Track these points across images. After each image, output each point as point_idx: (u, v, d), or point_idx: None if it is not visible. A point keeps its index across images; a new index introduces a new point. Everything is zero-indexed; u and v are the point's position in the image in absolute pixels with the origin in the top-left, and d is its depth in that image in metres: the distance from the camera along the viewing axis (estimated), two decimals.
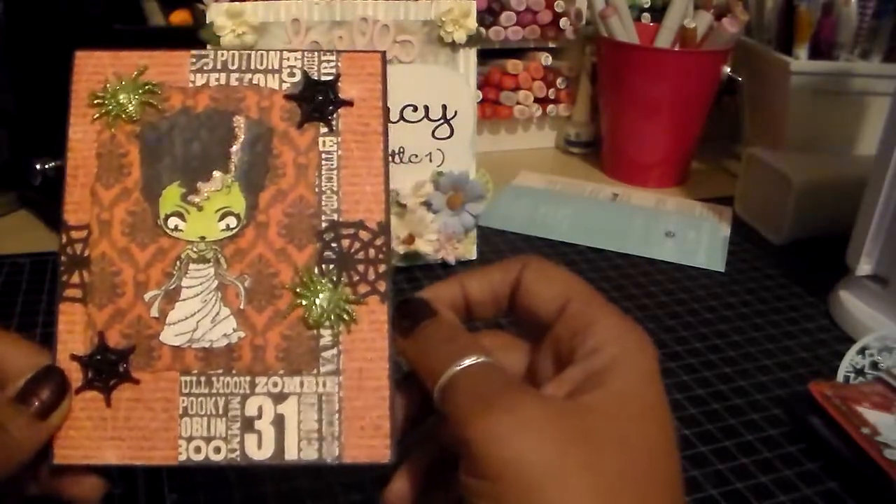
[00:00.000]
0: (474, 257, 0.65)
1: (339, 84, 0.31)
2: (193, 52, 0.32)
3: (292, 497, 0.38)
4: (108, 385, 0.29)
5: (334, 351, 0.29)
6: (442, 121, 0.62)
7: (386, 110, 0.32)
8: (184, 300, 0.29)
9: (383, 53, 0.32)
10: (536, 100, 0.90)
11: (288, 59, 0.32)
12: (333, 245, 0.30)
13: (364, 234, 0.30)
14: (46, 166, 0.62)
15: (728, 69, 0.89)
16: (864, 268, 0.58)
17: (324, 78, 0.31)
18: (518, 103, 0.89)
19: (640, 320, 0.57)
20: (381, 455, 0.28)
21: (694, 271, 0.67)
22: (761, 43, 0.86)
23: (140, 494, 0.37)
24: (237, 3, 0.55)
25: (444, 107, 0.62)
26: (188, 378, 0.29)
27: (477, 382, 0.26)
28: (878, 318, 0.57)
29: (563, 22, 0.89)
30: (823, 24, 0.80)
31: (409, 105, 0.61)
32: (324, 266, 0.30)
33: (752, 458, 0.44)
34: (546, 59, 0.90)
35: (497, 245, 0.69)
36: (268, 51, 0.32)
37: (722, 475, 0.43)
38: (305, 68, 0.31)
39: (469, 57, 0.62)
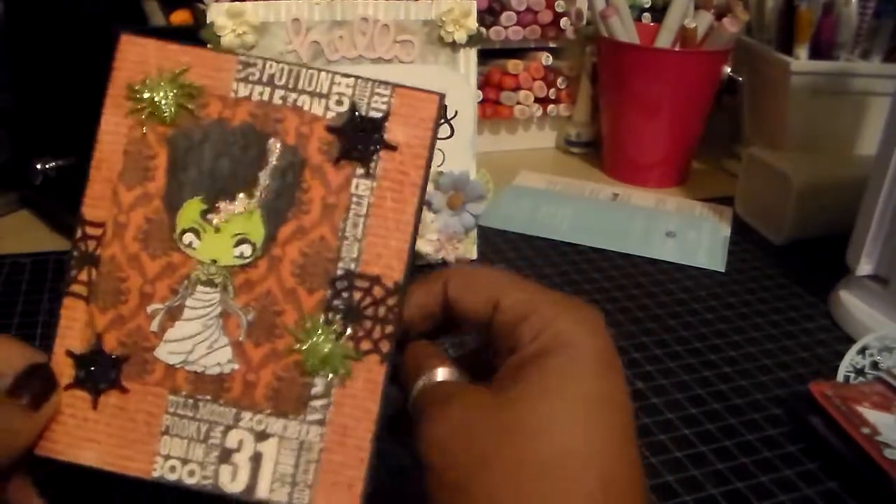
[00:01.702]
0: (474, 257, 0.65)
1: (387, 124, 0.29)
2: (242, 58, 0.30)
3: None
4: (97, 388, 0.29)
5: (324, 402, 0.29)
6: (442, 121, 0.62)
7: (430, 161, 0.29)
8: (185, 320, 0.29)
9: (441, 96, 0.30)
10: (537, 100, 0.90)
11: (339, 84, 0.29)
12: (344, 295, 0.29)
13: (378, 291, 0.29)
14: (47, 166, 0.62)
15: (728, 69, 0.89)
16: (864, 268, 0.58)
17: (372, 114, 0.29)
18: (518, 103, 0.89)
19: (641, 320, 0.58)
20: None
21: (694, 271, 0.67)
22: (761, 43, 0.86)
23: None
24: (238, 2, 0.55)
25: (445, 107, 0.62)
26: (175, 398, 0.29)
27: (428, 396, 0.28)
28: (878, 318, 0.57)
29: (564, 22, 0.89)
30: (823, 24, 0.80)
31: None
32: (330, 315, 0.29)
33: (752, 458, 0.44)
34: (546, 59, 0.90)
35: (497, 245, 0.69)
36: (320, 70, 0.29)
37: (722, 475, 0.43)
38: (355, 98, 0.29)
39: (469, 57, 0.62)
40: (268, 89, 0.29)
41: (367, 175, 0.29)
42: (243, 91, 0.29)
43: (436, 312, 0.30)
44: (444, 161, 0.62)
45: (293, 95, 0.29)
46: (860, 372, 0.52)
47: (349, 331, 0.29)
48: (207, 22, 0.54)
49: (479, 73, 0.72)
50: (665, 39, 0.84)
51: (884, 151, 0.56)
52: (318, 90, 0.29)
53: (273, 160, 0.29)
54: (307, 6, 0.56)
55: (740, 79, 0.90)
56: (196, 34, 0.54)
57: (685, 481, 0.42)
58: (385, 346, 0.29)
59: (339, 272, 0.29)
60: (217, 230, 0.29)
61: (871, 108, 0.80)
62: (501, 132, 0.94)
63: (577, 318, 0.28)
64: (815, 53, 0.81)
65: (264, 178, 0.29)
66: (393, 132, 0.29)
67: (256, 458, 0.28)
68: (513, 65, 0.88)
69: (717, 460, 0.44)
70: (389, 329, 0.29)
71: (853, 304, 0.59)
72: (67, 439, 0.28)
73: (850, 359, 0.53)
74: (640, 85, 0.82)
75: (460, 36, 0.60)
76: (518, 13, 0.86)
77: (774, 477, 0.43)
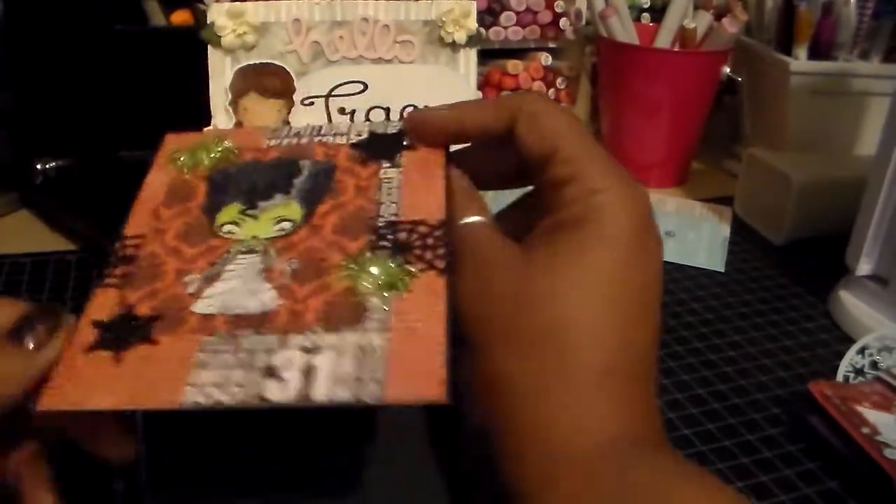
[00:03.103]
0: None
1: (405, 138, 0.32)
2: (272, 128, 0.34)
3: None
4: (123, 345, 0.26)
5: (383, 314, 0.25)
6: None
7: (448, 155, 0.32)
8: (224, 280, 0.28)
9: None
10: None
11: (357, 124, 0.34)
12: (389, 237, 0.28)
13: (423, 229, 0.28)
14: (47, 166, 0.62)
15: (728, 69, 0.89)
16: (864, 268, 0.58)
17: (390, 132, 0.33)
18: None
19: None
20: (433, 392, 0.23)
21: (694, 271, 0.67)
22: (761, 43, 0.86)
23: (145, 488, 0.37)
24: (238, 3, 0.55)
25: None
26: (211, 338, 0.25)
27: (461, 242, 0.28)
28: (878, 318, 0.57)
29: (563, 22, 0.89)
30: (823, 25, 0.80)
31: (409, 105, 0.61)
32: (378, 251, 0.28)
33: (752, 458, 0.44)
34: (546, 59, 0.90)
35: None
36: (341, 123, 0.35)
37: (722, 474, 0.43)
38: (372, 128, 0.33)
39: (469, 57, 0.62)
40: (296, 139, 0.34)
41: (393, 166, 0.31)
42: (274, 143, 0.33)
43: (496, 137, 0.30)
44: None
45: (318, 137, 0.33)
46: (860, 372, 0.52)
47: (399, 258, 0.27)
48: (208, 22, 0.54)
49: (479, 73, 0.72)
50: (664, 40, 0.84)
51: (883, 151, 0.56)
52: (339, 132, 0.33)
53: (306, 172, 0.32)
54: (308, 6, 0.56)
55: (739, 79, 0.90)
56: (196, 34, 0.54)
57: None
58: (440, 263, 0.27)
59: (381, 223, 0.29)
60: (256, 219, 0.30)
61: (870, 109, 0.80)
62: None
63: (621, 196, 0.27)
64: (815, 54, 0.81)
65: (299, 182, 0.31)
66: (409, 138, 0.32)
67: (308, 370, 0.24)
68: (512, 65, 0.88)
69: (718, 460, 0.44)
70: (441, 251, 0.27)
71: (853, 304, 0.59)
72: (81, 391, 0.25)
73: (850, 359, 0.53)
74: (640, 85, 0.82)
75: (460, 36, 0.60)
76: (517, 13, 0.86)
77: (774, 477, 0.43)
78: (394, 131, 0.32)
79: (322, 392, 0.23)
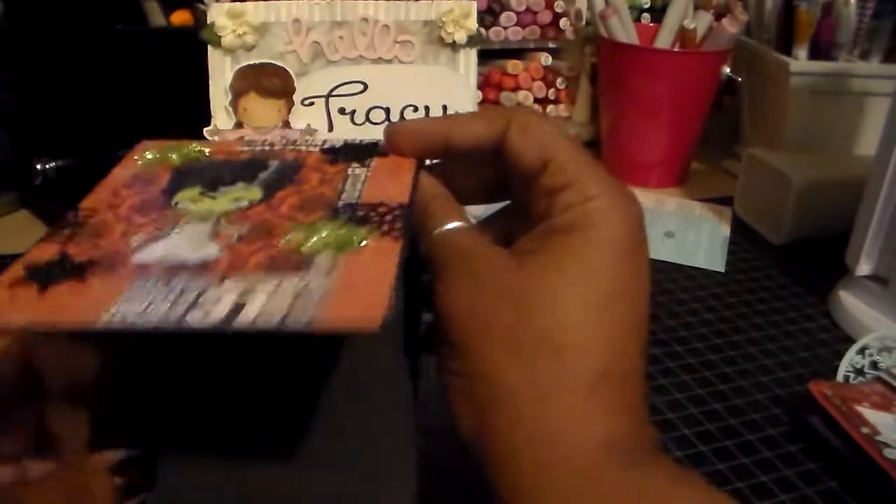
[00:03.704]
0: None
1: (378, 147, 0.32)
2: (247, 139, 0.35)
3: None
4: (51, 280, 0.25)
5: (330, 265, 0.25)
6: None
7: (419, 166, 0.31)
8: (169, 239, 0.27)
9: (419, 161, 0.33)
10: (536, 100, 0.90)
11: (333, 139, 0.34)
12: (347, 213, 0.28)
13: (383, 209, 0.28)
14: (47, 166, 0.62)
15: (728, 69, 0.89)
16: (864, 268, 0.58)
17: (365, 143, 0.33)
18: (518, 104, 0.89)
19: None
20: (368, 320, 0.22)
21: (694, 271, 0.67)
22: (761, 43, 0.86)
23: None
24: (238, 3, 0.55)
25: (445, 107, 0.62)
26: (144, 279, 0.25)
27: (444, 248, 0.28)
28: (878, 318, 0.57)
29: (563, 22, 0.89)
30: (823, 25, 0.80)
31: (409, 105, 0.61)
32: (333, 221, 0.27)
33: (752, 458, 0.44)
34: (546, 59, 0.90)
35: None
36: (317, 138, 0.35)
37: (722, 475, 0.43)
38: (347, 140, 0.33)
39: (469, 57, 0.62)
40: (268, 147, 0.34)
41: (362, 167, 0.31)
42: (247, 149, 0.34)
43: (486, 150, 0.30)
44: None
45: (291, 146, 0.34)
46: (860, 372, 0.52)
47: (353, 224, 0.27)
48: (208, 22, 0.54)
49: (479, 73, 0.72)
50: (664, 40, 0.84)
51: (883, 151, 0.56)
52: (314, 143, 0.34)
53: (272, 167, 0.32)
54: (308, 7, 0.56)
55: (739, 79, 0.90)
56: (196, 34, 0.54)
57: None
58: (396, 230, 0.26)
59: (340, 205, 0.28)
60: (214, 199, 0.30)
61: (870, 109, 0.80)
62: None
63: (615, 202, 0.27)
64: (815, 54, 0.81)
65: (264, 175, 0.31)
66: (384, 149, 0.32)
67: (237, 306, 0.23)
68: (512, 65, 0.88)
69: (718, 460, 0.44)
70: (399, 224, 0.27)
71: (853, 304, 0.59)
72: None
73: (850, 359, 0.53)
74: (640, 85, 0.82)
75: (460, 36, 0.60)
76: (517, 13, 0.86)
77: (774, 477, 0.43)
78: (369, 142, 0.33)
79: (246, 320, 0.22)
